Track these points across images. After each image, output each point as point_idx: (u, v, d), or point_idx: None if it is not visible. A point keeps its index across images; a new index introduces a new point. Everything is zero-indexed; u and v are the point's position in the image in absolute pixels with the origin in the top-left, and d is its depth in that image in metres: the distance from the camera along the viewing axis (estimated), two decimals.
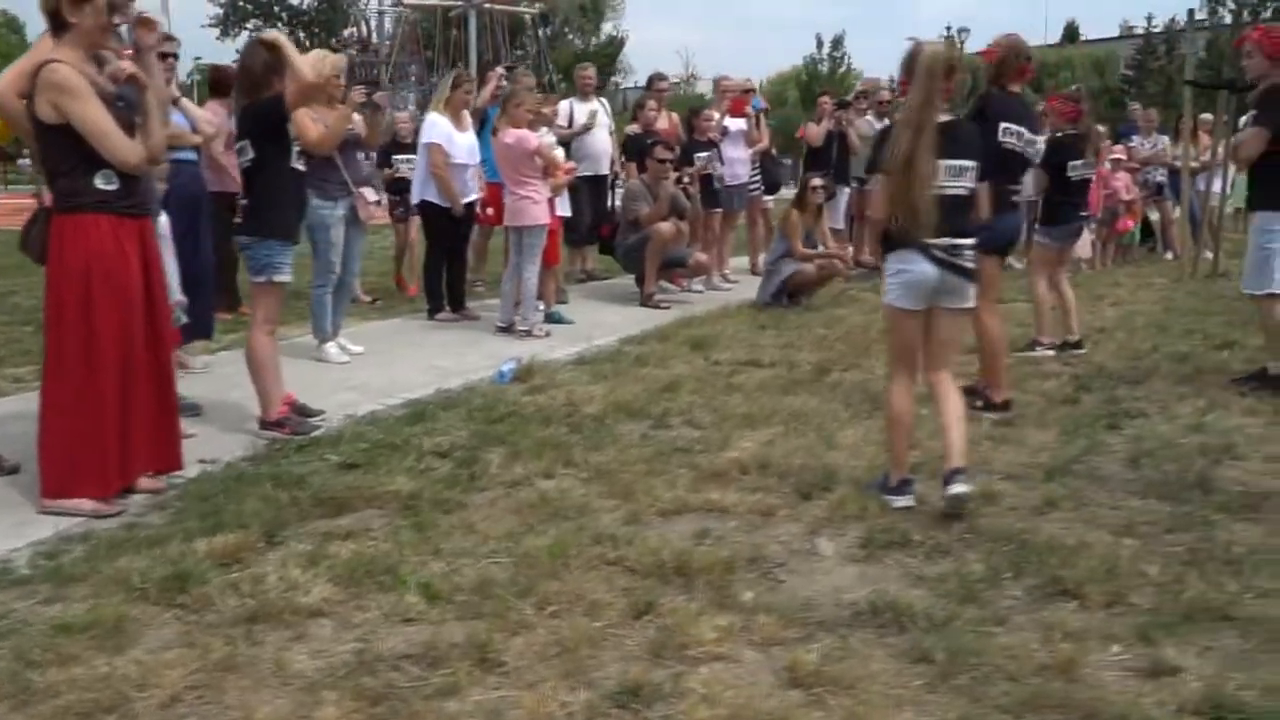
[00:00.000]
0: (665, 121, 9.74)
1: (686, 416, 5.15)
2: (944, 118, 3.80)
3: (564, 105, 10.62)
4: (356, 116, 6.76)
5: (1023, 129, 5.08)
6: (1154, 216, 13.13)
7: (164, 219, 5.01)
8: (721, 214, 9.85)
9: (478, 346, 7.01)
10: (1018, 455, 4.38)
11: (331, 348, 6.52)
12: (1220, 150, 12.64)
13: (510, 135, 7.09)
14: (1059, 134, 6.63)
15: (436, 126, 7.67)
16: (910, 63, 3.83)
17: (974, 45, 49.41)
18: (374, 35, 44.17)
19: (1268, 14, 40.52)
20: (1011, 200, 5.16)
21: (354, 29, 45.83)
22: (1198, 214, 11.59)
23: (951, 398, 3.91)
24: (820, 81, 42.12)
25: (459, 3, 29.62)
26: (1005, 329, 5.40)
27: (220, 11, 44.69)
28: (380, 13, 40.00)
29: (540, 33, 54.55)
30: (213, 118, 8.03)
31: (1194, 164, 11.99)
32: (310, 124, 6.27)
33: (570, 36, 52.53)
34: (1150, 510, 3.66)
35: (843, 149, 10.75)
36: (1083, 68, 55.30)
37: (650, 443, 4.69)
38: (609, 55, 36.33)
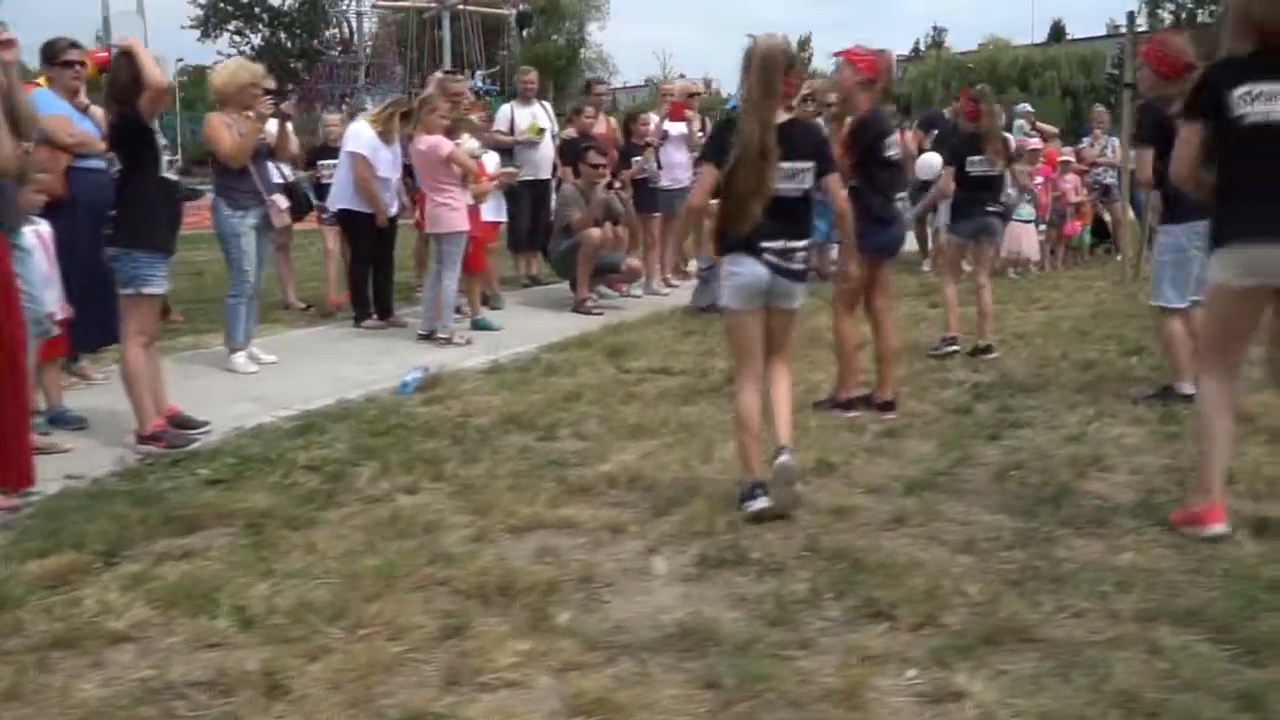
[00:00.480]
0: (603, 126, 9.71)
1: (576, 428, 5.12)
2: (783, 117, 3.78)
3: (504, 109, 10.61)
4: (272, 125, 6.73)
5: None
6: (1108, 218, 13.12)
7: (44, 227, 4.96)
8: (661, 218, 9.81)
9: (394, 355, 6.96)
10: (889, 468, 4.34)
11: (240, 357, 6.48)
12: None
13: (424, 142, 7.06)
14: (961, 132, 6.86)
15: (361, 136, 7.64)
16: (748, 59, 3.81)
17: (955, 45, 49.82)
18: (355, 36, 44.04)
19: (1204, 15, 40.40)
20: (895, 210, 5.16)
21: (335, 30, 45.74)
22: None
23: (781, 383, 3.98)
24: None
25: (433, 4, 29.54)
26: (897, 333, 5.42)
27: (201, 13, 44.45)
28: (359, 14, 39.75)
29: (524, 33, 54.60)
30: None
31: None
32: (225, 133, 6.26)
33: (555, 38, 52.46)
34: (997, 526, 3.62)
35: None
36: (1069, 67, 55.28)
37: (529, 456, 4.66)
38: (568, 57, 35.92)
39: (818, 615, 3.00)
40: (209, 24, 44.77)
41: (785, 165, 3.75)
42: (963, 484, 4.13)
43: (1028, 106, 14.03)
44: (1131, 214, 12.00)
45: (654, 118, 9.86)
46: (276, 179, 7.01)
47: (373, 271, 8.07)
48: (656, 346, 7.18)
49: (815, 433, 4.89)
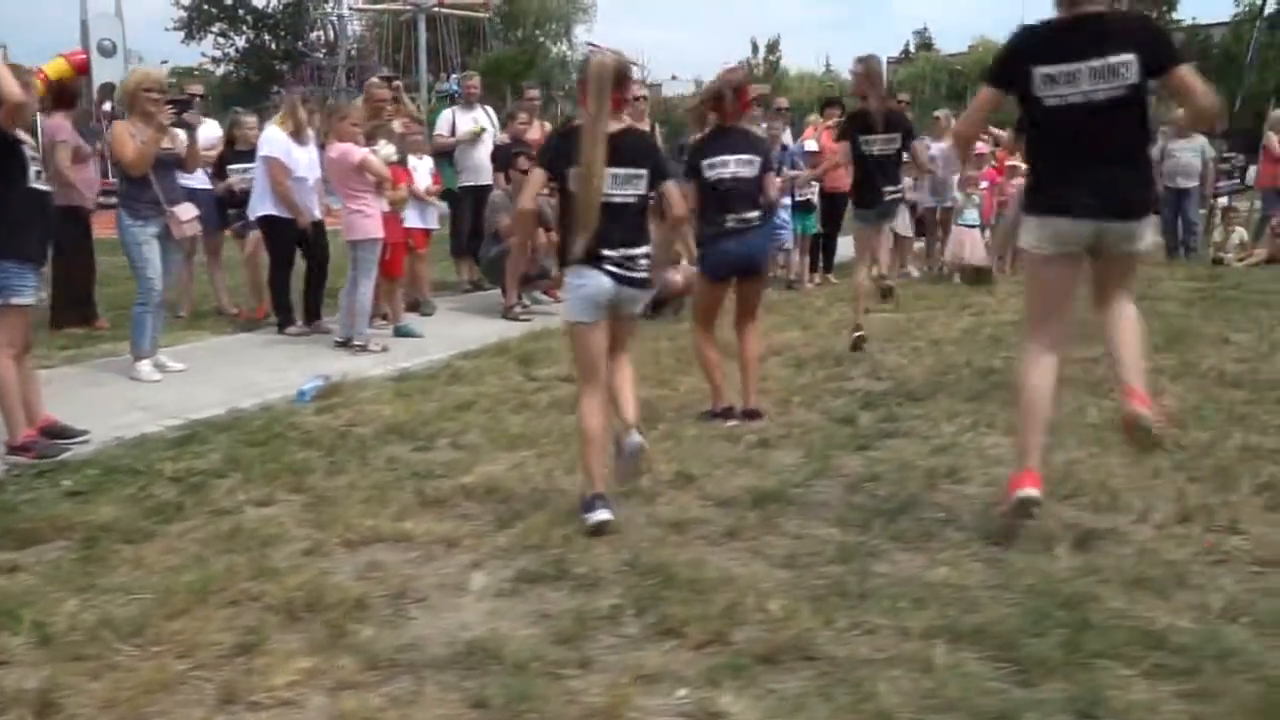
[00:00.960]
0: (536, 131, 9.68)
1: (456, 438, 5.11)
2: (614, 126, 3.80)
3: (446, 113, 10.63)
4: (182, 135, 6.71)
5: (738, 155, 5.17)
6: None
7: None
8: None
9: (306, 363, 6.94)
10: (748, 479, 4.34)
11: (145, 365, 6.46)
12: None
13: (335, 149, 7.05)
14: (853, 111, 7.04)
15: (274, 140, 7.63)
16: (582, 73, 3.87)
17: (947, 47, 49.82)
18: (340, 38, 44.03)
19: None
20: (727, 228, 5.14)
21: (320, 32, 45.70)
22: None
23: (621, 371, 4.05)
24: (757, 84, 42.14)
25: (408, 7, 29.53)
26: (757, 344, 5.44)
27: (184, 15, 44.42)
28: (339, 16, 39.70)
29: (509, 35, 54.54)
30: (57, 132, 8.03)
31: None
32: (128, 141, 6.25)
33: (541, 40, 52.46)
34: (826, 540, 3.62)
35: None
36: None
37: (396, 467, 4.65)
38: (524, 62, 35.58)
39: (613, 632, 2.99)
40: (192, 26, 44.75)
41: (619, 171, 3.78)
42: (813, 496, 4.12)
43: None
44: None
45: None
46: (202, 185, 7.00)
47: (306, 276, 8.08)
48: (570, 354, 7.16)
49: (689, 443, 4.89)
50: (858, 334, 6.93)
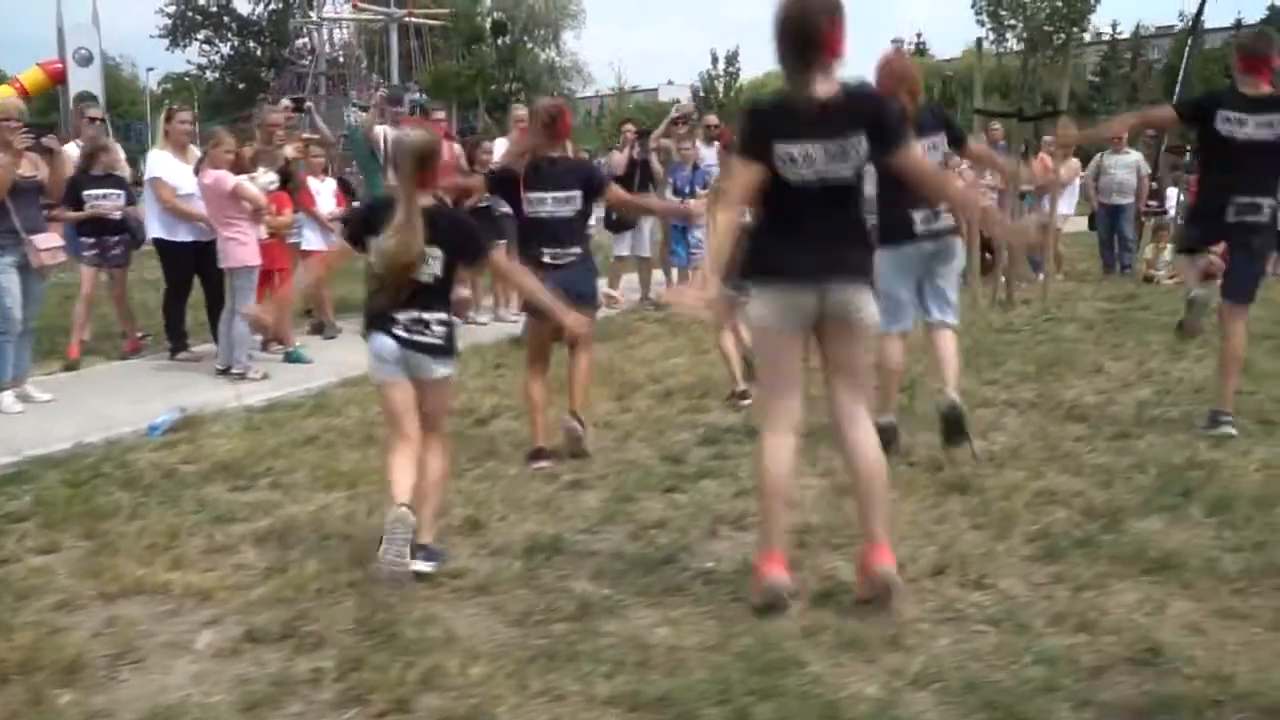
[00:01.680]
0: (446, 153, 9.66)
1: (282, 476, 5.10)
2: (425, 202, 3.83)
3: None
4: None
5: (556, 193, 5.18)
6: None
7: None
8: (506, 245, 9.78)
9: (181, 392, 6.91)
10: (539, 525, 4.31)
11: (7, 396, 6.46)
12: (1061, 172, 12.66)
13: (208, 176, 7.06)
14: None
15: (158, 161, 7.65)
16: (395, 150, 4.05)
17: (943, 52, 49.77)
18: (326, 46, 44.15)
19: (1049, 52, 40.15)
20: (543, 263, 5.07)
21: (305, 39, 45.85)
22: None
23: (434, 464, 3.97)
24: (714, 98, 42.09)
25: (379, 17, 29.60)
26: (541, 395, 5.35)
27: (169, 22, 44.58)
28: (319, 24, 39.81)
29: (500, 41, 54.63)
30: None
31: (1028, 186, 12.04)
32: None
33: (530, 46, 52.54)
34: (574, 595, 3.58)
35: (646, 176, 10.72)
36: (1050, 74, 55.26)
37: (203, 509, 4.63)
38: (470, 76, 35.34)
39: (307, 699, 2.97)
40: (177, 33, 44.91)
41: (426, 250, 3.83)
42: (591, 545, 4.10)
43: None
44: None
45: (500, 144, 9.85)
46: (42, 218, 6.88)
47: (206, 299, 8.06)
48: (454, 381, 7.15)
49: (503, 483, 4.87)
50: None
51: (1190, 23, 17.24)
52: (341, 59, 41.73)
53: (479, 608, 3.55)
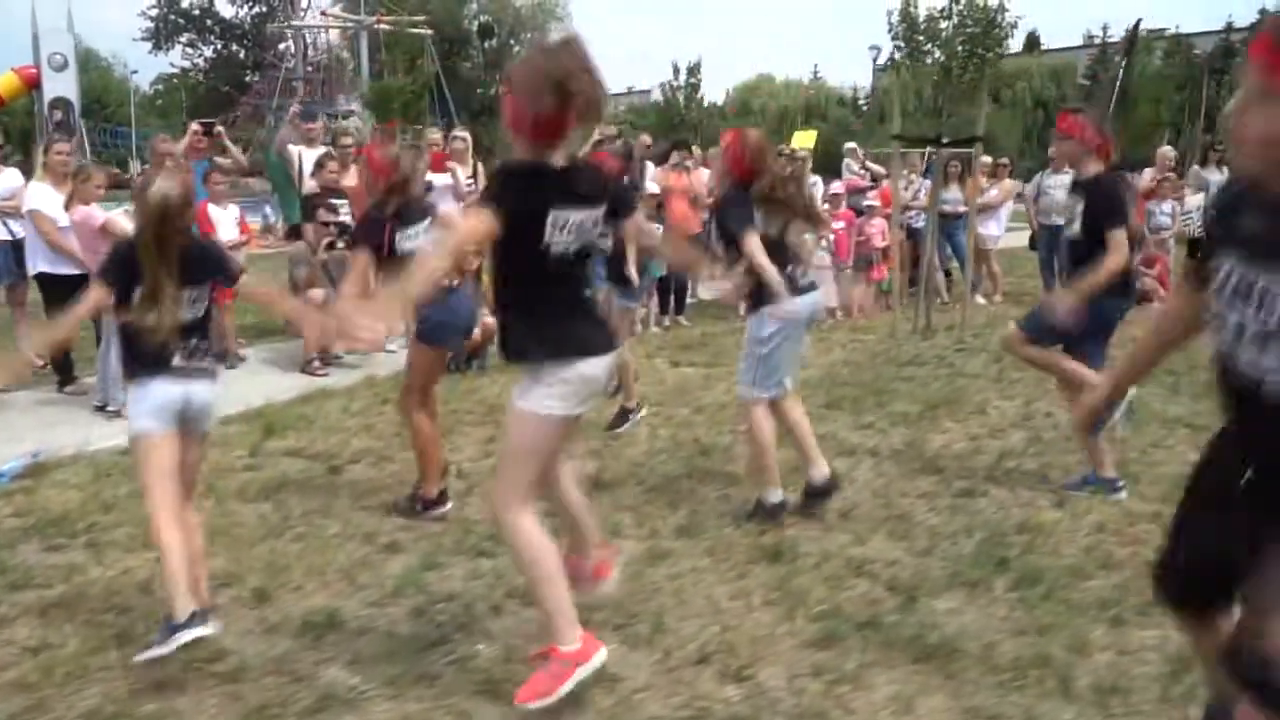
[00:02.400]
0: (353, 178, 9.54)
1: (102, 535, 4.94)
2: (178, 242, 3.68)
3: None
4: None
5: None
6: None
7: None
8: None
9: (55, 430, 6.77)
10: (324, 598, 4.15)
11: None
12: (995, 193, 12.55)
13: (77, 213, 6.96)
14: None
15: (38, 193, 7.54)
16: (140, 201, 3.73)
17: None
18: (308, 50, 44.03)
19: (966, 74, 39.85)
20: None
21: (289, 43, 45.73)
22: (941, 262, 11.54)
23: (195, 538, 3.81)
24: (676, 108, 41.93)
25: (350, 24, 29.48)
26: (433, 428, 5.21)
27: (151, 25, 44.48)
28: (298, 28, 39.69)
29: (486, 45, 54.56)
30: None
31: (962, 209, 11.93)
32: None
33: (518, 50, 52.41)
34: (321, 686, 3.47)
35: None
36: (1040, 77, 55.05)
37: (7, 573, 4.50)
38: (413, 91, 34.62)
39: None
40: (160, 36, 44.81)
41: (183, 292, 3.70)
42: (374, 620, 3.97)
43: (853, 145, 13.89)
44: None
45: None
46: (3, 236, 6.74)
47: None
48: (327, 420, 7.06)
49: (317, 546, 4.74)
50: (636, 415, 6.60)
51: (1126, 41, 17.08)
52: (326, 62, 41.65)
53: (220, 698, 3.43)
